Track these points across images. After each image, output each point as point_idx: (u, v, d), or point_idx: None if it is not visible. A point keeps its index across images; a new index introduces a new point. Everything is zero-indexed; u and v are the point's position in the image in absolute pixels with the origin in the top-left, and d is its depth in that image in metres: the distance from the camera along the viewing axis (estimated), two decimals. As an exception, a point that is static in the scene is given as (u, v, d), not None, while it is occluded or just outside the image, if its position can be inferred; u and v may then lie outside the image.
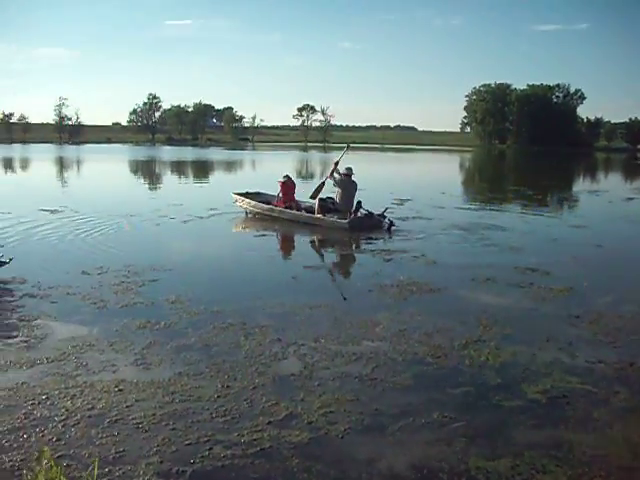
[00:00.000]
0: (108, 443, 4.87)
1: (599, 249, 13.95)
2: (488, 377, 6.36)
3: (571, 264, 12.24)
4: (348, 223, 15.49)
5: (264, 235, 15.49)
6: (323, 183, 17.09)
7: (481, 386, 6.14)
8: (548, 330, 7.91)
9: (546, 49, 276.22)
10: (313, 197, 16.89)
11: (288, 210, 17.03)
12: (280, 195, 17.64)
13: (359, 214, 15.93)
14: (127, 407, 5.47)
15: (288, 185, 17.71)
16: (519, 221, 18.61)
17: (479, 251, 13.39)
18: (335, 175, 16.62)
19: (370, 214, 15.97)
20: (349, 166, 16.87)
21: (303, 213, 16.82)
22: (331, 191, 17.28)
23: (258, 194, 18.96)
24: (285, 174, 18.34)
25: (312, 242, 14.96)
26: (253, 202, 18.03)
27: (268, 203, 17.82)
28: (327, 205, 16.56)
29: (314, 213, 16.52)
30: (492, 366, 6.64)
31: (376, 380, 6.20)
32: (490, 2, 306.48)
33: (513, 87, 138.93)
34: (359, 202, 16.17)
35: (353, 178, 16.65)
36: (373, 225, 15.68)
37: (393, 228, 15.66)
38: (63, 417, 5.27)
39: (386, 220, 15.83)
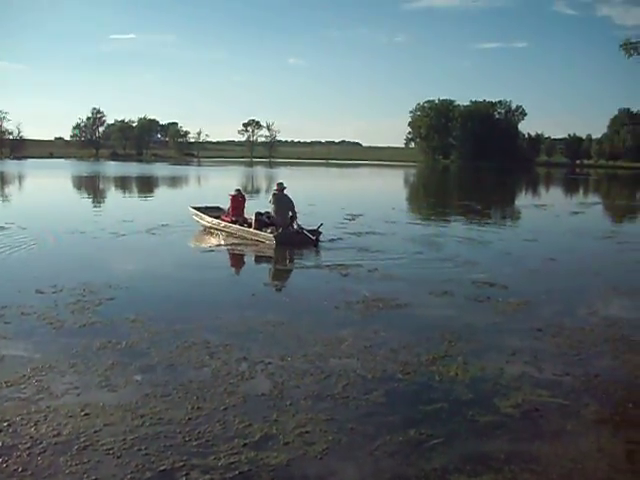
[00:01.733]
0: (78, 471, 4.66)
1: (552, 262, 14.16)
2: (460, 392, 6.34)
3: (527, 277, 12.41)
4: (275, 237, 15.75)
5: (215, 250, 15.54)
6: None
7: (454, 402, 6.11)
8: (513, 344, 7.97)
9: (488, 66, 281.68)
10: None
11: (231, 225, 17.32)
12: (229, 209, 17.88)
13: (291, 229, 16.24)
14: (95, 432, 5.26)
15: (238, 199, 17.93)
16: (471, 235, 18.80)
17: (435, 265, 13.47)
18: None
19: (300, 230, 16.15)
20: (280, 181, 17.59)
21: (244, 227, 16.99)
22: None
23: (217, 209, 19.15)
24: (236, 188, 18.63)
25: (264, 257, 14.86)
26: (204, 216, 18.32)
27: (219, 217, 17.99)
28: (263, 219, 16.76)
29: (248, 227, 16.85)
30: (462, 381, 6.63)
31: (349, 398, 6.12)
32: (433, 20, 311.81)
33: (456, 103, 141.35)
34: (292, 216, 16.54)
35: (285, 192, 16.95)
36: (301, 241, 15.76)
37: (319, 244, 15.77)
38: (28, 445, 5.03)
39: (312, 237, 15.80)
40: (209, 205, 19.64)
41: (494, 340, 8.18)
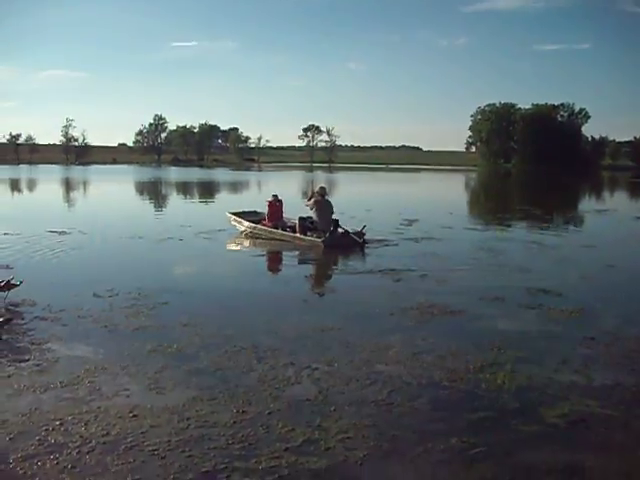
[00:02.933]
0: (124, 470, 4.80)
1: (611, 269, 13.86)
2: (505, 401, 6.28)
3: (582, 285, 12.19)
4: (323, 242, 15.97)
5: (264, 255, 15.93)
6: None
7: (499, 410, 6.06)
8: (563, 352, 7.83)
9: (550, 68, 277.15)
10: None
11: (273, 229, 17.61)
12: (267, 214, 18.33)
13: (337, 233, 16.48)
14: (142, 433, 5.40)
15: (275, 205, 18.37)
16: (528, 241, 18.53)
17: (489, 272, 13.32)
18: (309, 202, 17.40)
19: (346, 232, 16.44)
20: (323, 186, 18.30)
21: (287, 232, 17.27)
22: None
23: (254, 213, 19.58)
24: (273, 194, 18.92)
25: (313, 262, 15.10)
26: (244, 221, 18.66)
27: (259, 222, 18.38)
28: (307, 224, 17.01)
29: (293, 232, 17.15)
30: (508, 390, 6.56)
31: (392, 405, 6.13)
32: (494, 23, 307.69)
33: (518, 107, 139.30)
34: (336, 220, 16.86)
35: (327, 197, 17.46)
36: (348, 243, 16.05)
37: (366, 246, 16.05)
38: (78, 444, 5.20)
39: (359, 239, 16.16)
40: (246, 210, 20.04)
41: (544, 348, 8.05)
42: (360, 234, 16.32)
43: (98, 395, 6.25)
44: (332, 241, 16.02)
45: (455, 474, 4.91)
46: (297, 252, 15.90)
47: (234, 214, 19.44)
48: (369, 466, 4.97)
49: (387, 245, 16.63)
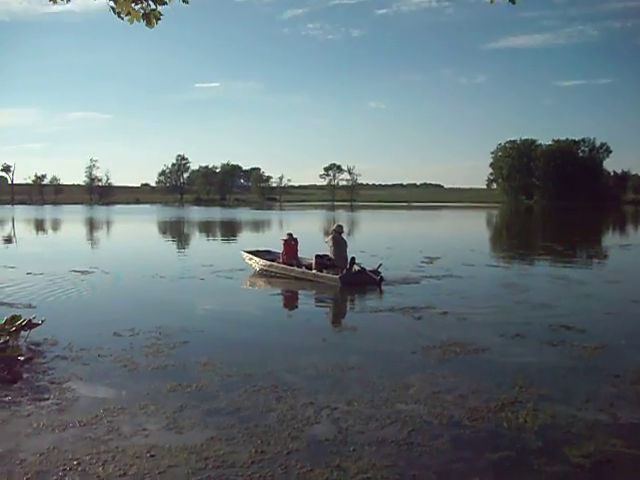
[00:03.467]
0: (141, 512, 4.77)
1: (635, 305, 13.70)
2: (528, 440, 6.17)
3: (606, 321, 12.03)
4: (340, 279, 16.12)
5: (283, 294, 15.87)
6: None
7: (521, 450, 5.95)
8: (587, 390, 7.71)
9: (571, 104, 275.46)
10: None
11: (290, 267, 17.82)
12: (283, 253, 18.59)
13: (353, 270, 16.56)
14: (159, 473, 5.37)
15: (290, 243, 18.64)
16: (550, 277, 18.38)
17: (511, 309, 13.19)
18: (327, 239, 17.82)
19: (362, 270, 16.54)
20: (340, 224, 18.56)
21: (304, 270, 17.43)
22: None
23: (268, 252, 19.93)
24: (288, 232, 19.29)
25: (331, 300, 15.11)
26: (261, 260, 18.88)
27: (274, 260, 18.66)
28: (324, 262, 17.22)
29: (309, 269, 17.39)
30: (531, 429, 6.45)
31: (413, 444, 6.04)
32: (513, 60, 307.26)
33: (538, 143, 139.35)
34: (352, 258, 16.96)
35: (343, 236, 17.79)
36: (365, 281, 16.15)
37: (383, 283, 16.16)
38: (95, 484, 5.18)
39: (376, 277, 16.28)
40: (260, 249, 20.48)
41: (567, 385, 7.92)
42: (376, 272, 16.42)
43: (116, 435, 6.23)
44: (349, 278, 16.17)
45: (476, 516, 4.81)
46: (314, 290, 15.92)
47: (249, 252, 19.79)
48: (388, 507, 4.89)
49: (408, 283, 16.59)
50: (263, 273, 18.39)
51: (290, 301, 15.24)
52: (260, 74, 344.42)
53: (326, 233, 17.69)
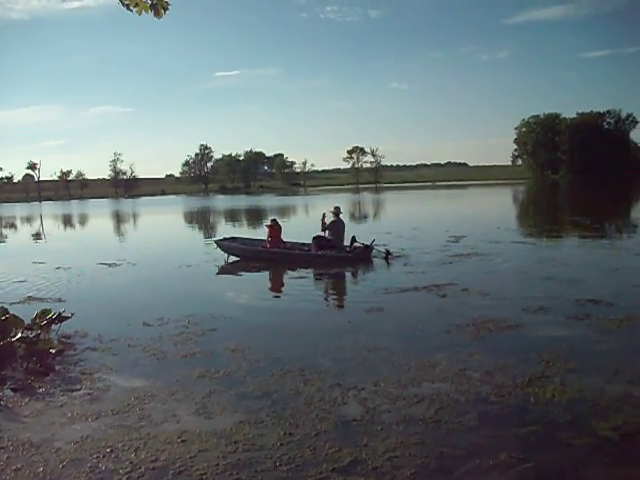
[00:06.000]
0: (173, 495, 4.87)
1: (664, 277, 13.53)
2: (555, 415, 6.17)
3: (634, 294, 11.91)
4: (354, 256, 17.22)
5: (304, 277, 15.83)
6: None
7: (549, 424, 5.95)
8: (615, 363, 7.66)
9: (596, 76, 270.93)
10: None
11: (297, 252, 18.29)
12: (268, 238, 18.81)
13: (354, 247, 17.69)
14: (190, 458, 5.47)
15: (275, 229, 18.95)
16: (578, 252, 18.27)
17: (537, 284, 13.10)
18: (326, 221, 18.28)
19: (367, 246, 17.66)
20: (337, 205, 19.18)
21: (313, 252, 17.92)
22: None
23: (233, 239, 20.48)
24: (272, 218, 19.74)
25: (348, 281, 15.50)
26: (249, 247, 19.32)
27: (259, 246, 19.22)
28: (323, 243, 17.91)
29: (308, 251, 18.10)
30: (559, 403, 6.45)
31: (440, 422, 6.08)
32: (536, 34, 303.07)
33: (562, 116, 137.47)
34: (353, 236, 17.89)
35: (340, 217, 18.48)
36: (370, 256, 17.47)
37: (390, 257, 17.43)
38: (127, 470, 5.30)
39: (382, 250, 17.73)
40: (234, 236, 21.19)
41: (595, 359, 7.89)
42: (371, 247, 17.62)
43: (147, 422, 6.35)
44: (360, 255, 17.36)
45: (505, 490, 4.84)
46: (326, 271, 16.07)
47: (224, 240, 20.03)
48: (416, 484, 4.94)
49: (432, 262, 16.57)
50: (256, 258, 18.37)
51: (311, 285, 15.25)
52: (280, 60, 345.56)
53: (323, 217, 18.25)
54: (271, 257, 18.18)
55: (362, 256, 17.39)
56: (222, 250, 19.38)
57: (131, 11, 4.77)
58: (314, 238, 18.08)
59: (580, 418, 6.09)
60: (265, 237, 19.20)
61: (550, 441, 5.62)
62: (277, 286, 15.24)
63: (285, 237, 19.12)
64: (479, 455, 5.35)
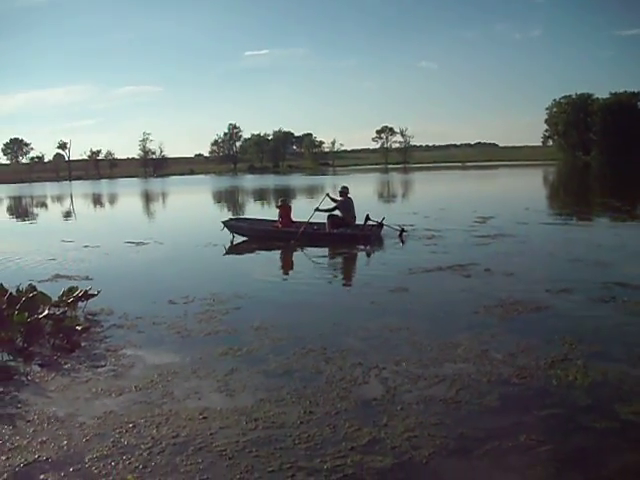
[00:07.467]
0: (192, 471, 4.93)
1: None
2: (577, 398, 6.13)
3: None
4: (370, 236, 17.53)
5: (327, 256, 16.20)
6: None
7: (570, 407, 5.92)
8: (640, 346, 7.59)
9: (630, 54, 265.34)
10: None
11: (310, 230, 18.30)
12: (280, 218, 19.02)
13: (374, 225, 18.16)
14: (211, 435, 5.53)
15: (286, 209, 19.30)
16: (607, 234, 18.03)
17: (564, 266, 13.00)
18: (333, 202, 18.72)
19: (380, 224, 18.24)
20: (345, 185, 19.42)
21: (327, 230, 18.24)
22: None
23: (241, 219, 21.14)
24: (282, 198, 20.17)
25: (368, 259, 15.73)
26: (260, 227, 19.48)
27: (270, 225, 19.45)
28: (337, 221, 18.29)
29: (320, 230, 18.44)
30: (581, 386, 6.41)
31: (460, 403, 6.08)
32: (570, 10, 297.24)
33: (595, 97, 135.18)
34: (367, 215, 18.12)
35: (349, 196, 18.70)
36: (380, 234, 18.10)
37: (405, 234, 18.01)
38: (149, 445, 5.38)
39: (396, 227, 18.27)
40: (242, 217, 22.20)
41: (619, 342, 7.80)
42: (381, 225, 18.17)
43: (170, 398, 6.43)
44: (376, 232, 17.88)
45: (522, 473, 4.83)
46: (346, 250, 16.31)
47: (234, 220, 20.62)
48: (434, 464, 4.95)
49: (457, 242, 16.51)
50: (268, 238, 18.39)
51: (331, 264, 15.38)
52: (308, 40, 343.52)
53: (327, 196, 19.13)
54: (284, 236, 18.19)
55: (377, 234, 17.91)
56: (230, 231, 19.38)
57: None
58: (329, 217, 18.31)
59: (602, 402, 6.04)
60: (272, 218, 19.49)
61: (571, 424, 5.59)
62: (297, 266, 15.23)
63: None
64: (498, 437, 5.34)
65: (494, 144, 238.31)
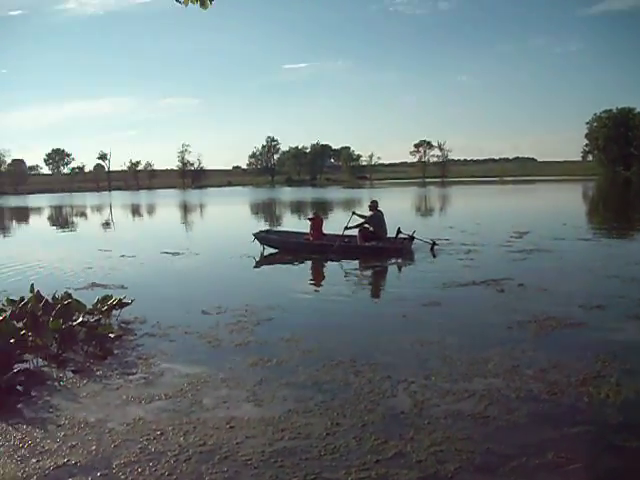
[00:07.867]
0: (217, 479, 4.96)
1: None
2: (609, 416, 6.03)
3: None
4: (402, 249, 17.65)
5: (359, 269, 16.17)
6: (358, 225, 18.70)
7: (601, 425, 5.82)
8: (676, 365, 7.44)
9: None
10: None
11: (342, 243, 18.19)
12: (311, 231, 19.06)
13: (399, 238, 18.22)
14: (237, 444, 5.56)
15: (317, 221, 19.23)
16: (646, 251, 17.72)
17: (600, 282, 12.81)
18: (364, 221, 18.69)
19: (411, 237, 18.41)
20: (374, 199, 19.87)
21: (359, 243, 18.23)
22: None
23: (280, 232, 21.17)
24: (314, 211, 20.41)
25: (399, 273, 15.83)
26: (292, 240, 19.54)
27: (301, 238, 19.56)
28: (367, 234, 18.34)
29: (352, 243, 18.33)
30: (613, 404, 6.30)
31: (489, 418, 6.02)
32: (611, 25, 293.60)
33: (637, 111, 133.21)
34: (399, 228, 18.26)
35: (379, 208, 18.89)
36: (411, 247, 18.18)
37: (436, 247, 18.09)
38: (176, 452, 5.42)
39: (428, 241, 18.30)
40: (269, 229, 22.01)
41: (655, 361, 7.68)
42: (412, 238, 18.31)
43: (198, 407, 6.48)
44: (407, 246, 18.00)
45: (550, 489, 4.77)
46: (378, 264, 16.34)
47: (264, 232, 20.49)
48: None
49: (493, 257, 16.41)
50: (299, 251, 18.45)
51: (363, 277, 15.35)
52: (348, 53, 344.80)
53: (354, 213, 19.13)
54: (315, 249, 18.23)
55: (407, 247, 17.99)
56: (261, 243, 19.44)
57: (180, 3, 4.85)
58: (360, 230, 18.34)
59: (634, 420, 5.93)
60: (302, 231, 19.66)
61: (601, 443, 5.50)
62: (328, 278, 15.20)
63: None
64: (526, 453, 5.27)
65: (532, 159, 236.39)
